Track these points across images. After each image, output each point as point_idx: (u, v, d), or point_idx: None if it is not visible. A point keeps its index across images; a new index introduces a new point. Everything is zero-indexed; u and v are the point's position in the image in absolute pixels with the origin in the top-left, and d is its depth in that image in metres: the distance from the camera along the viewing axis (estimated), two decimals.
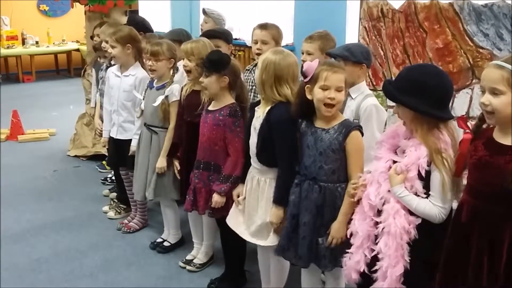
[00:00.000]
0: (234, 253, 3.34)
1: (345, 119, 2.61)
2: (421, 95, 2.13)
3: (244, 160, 3.00)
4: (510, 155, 1.88)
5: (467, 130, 2.11)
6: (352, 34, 4.80)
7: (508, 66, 1.87)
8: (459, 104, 3.75)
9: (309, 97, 2.55)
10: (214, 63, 3.02)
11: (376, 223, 2.26)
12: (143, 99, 3.72)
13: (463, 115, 2.01)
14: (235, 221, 3.01)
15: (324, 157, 2.53)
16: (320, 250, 2.57)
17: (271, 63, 2.72)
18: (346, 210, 2.49)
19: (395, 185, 2.18)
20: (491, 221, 1.95)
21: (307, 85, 2.55)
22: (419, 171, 2.14)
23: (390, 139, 2.31)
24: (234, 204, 3.04)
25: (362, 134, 2.56)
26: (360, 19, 4.32)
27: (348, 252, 2.38)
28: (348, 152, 2.51)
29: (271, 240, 2.82)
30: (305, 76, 2.55)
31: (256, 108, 2.87)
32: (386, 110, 3.87)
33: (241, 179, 3.01)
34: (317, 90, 2.50)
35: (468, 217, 2.03)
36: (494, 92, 1.90)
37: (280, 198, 2.73)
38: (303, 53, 3.36)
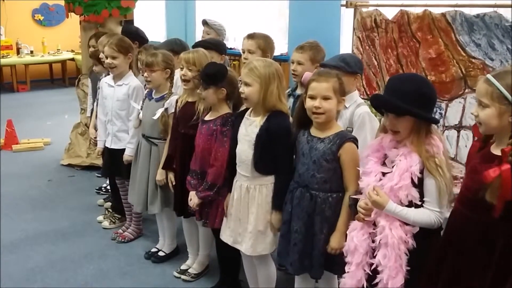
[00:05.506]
0: (228, 262, 3.34)
1: (341, 130, 2.63)
2: (422, 105, 2.17)
3: (227, 170, 3.00)
4: (495, 164, 1.91)
5: (476, 138, 2.17)
6: (346, 44, 4.85)
7: (493, 80, 1.92)
8: (452, 113, 3.77)
9: (305, 106, 2.59)
10: (211, 77, 3.02)
11: (374, 238, 2.26)
12: (141, 109, 3.72)
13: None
14: (228, 236, 3.00)
15: (317, 166, 2.55)
16: (314, 261, 2.58)
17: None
18: (345, 221, 2.50)
19: (385, 204, 2.18)
20: (467, 227, 2.01)
21: (304, 95, 2.61)
22: (412, 178, 2.16)
23: (375, 153, 2.33)
24: (224, 218, 3.03)
25: (357, 147, 2.57)
26: (354, 29, 4.36)
27: (346, 271, 2.37)
28: (343, 164, 2.53)
29: (264, 248, 2.85)
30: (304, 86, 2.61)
31: (247, 117, 2.89)
32: (380, 120, 3.90)
33: (228, 188, 3.01)
34: (306, 99, 2.57)
35: (452, 222, 2.09)
36: (481, 104, 1.96)
37: (280, 204, 2.75)
38: (293, 63, 3.37)
